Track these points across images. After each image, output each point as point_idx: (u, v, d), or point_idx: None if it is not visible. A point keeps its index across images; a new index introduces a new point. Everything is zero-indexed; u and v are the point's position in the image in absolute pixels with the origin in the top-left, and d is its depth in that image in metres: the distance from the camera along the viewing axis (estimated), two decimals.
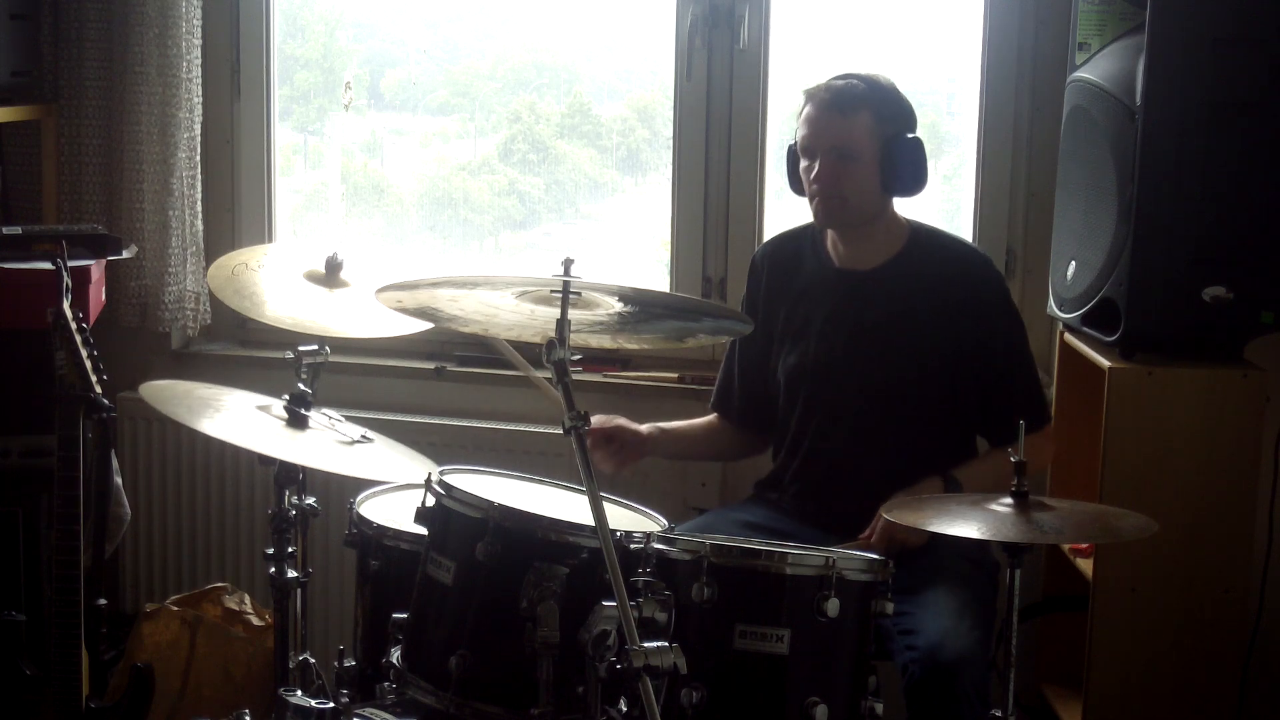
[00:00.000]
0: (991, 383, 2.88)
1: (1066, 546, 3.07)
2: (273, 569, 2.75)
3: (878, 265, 2.93)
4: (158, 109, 3.66)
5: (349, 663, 2.72)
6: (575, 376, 2.24)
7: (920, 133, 2.90)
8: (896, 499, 2.68)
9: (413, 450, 2.87)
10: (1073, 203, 3.00)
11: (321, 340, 2.81)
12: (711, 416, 3.16)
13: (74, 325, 2.61)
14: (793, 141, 2.92)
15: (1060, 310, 3.02)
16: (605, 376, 3.59)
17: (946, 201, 3.72)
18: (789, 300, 3.01)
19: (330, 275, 2.95)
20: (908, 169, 2.85)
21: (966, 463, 2.88)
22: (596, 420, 2.92)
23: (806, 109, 2.88)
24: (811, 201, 2.90)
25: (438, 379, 3.72)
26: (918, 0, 3.64)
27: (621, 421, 2.98)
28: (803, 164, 2.89)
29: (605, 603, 2.14)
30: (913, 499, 2.64)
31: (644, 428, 3.01)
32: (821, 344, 2.94)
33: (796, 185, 2.93)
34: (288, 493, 2.74)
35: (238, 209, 3.89)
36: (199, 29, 3.70)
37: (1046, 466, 3.09)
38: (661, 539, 2.33)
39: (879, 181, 2.85)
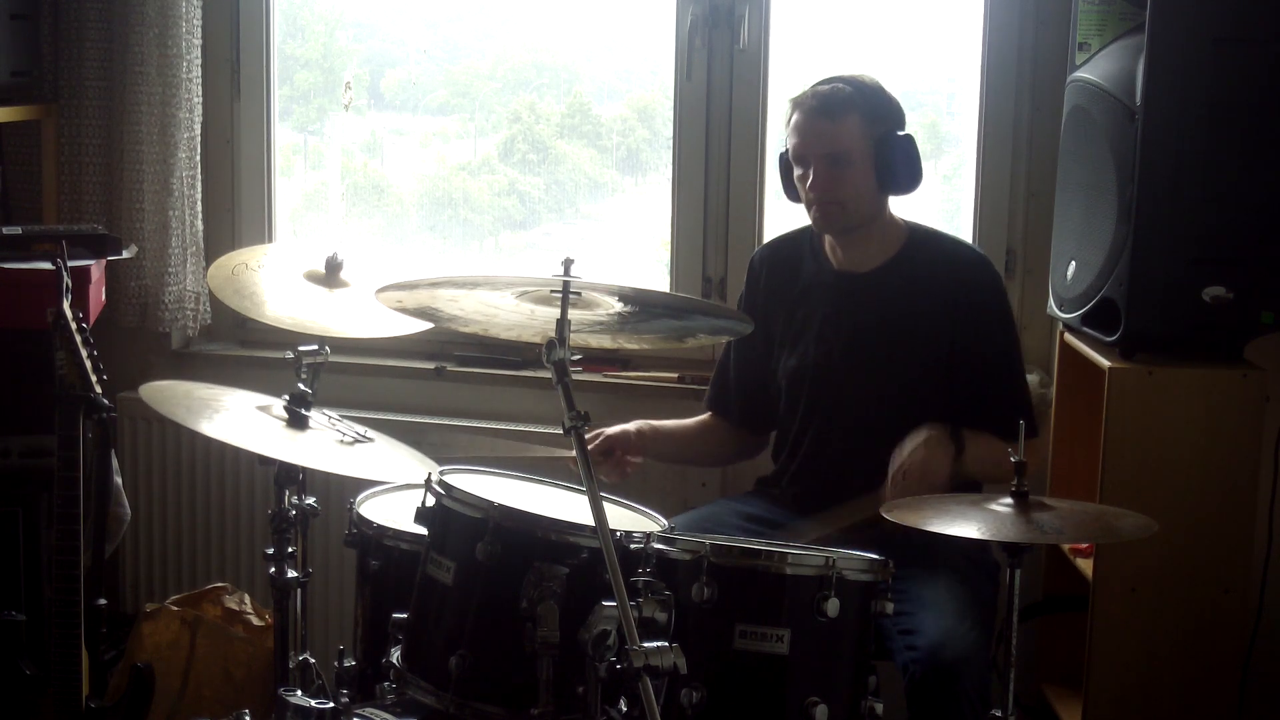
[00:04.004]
0: (983, 383, 2.87)
1: (1066, 546, 3.07)
2: (273, 569, 2.74)
3: (876, 267, 2.93)
4: (158, 109, 3.66)
5: (349, 663, 2.72)
6: (575, 376, 2.24)
7: (920, 133, 2.91)
8: (906, 444, 2.74)
9: (413, 451, 2.87)
10: (1073, 203, 2.99)
11: (321, 340, 2.81)
12: (706, 415, 3.16)
13: (74, 325, 2.61)
14: (784, 149, 2.92)
15: (1060, 310, 3.02)
16: (605, 376, 3.59)
17: (946, 201, 3.72)
18: (788, 303, 3.01)
19: (330, 275, 2.95)
20: (902, 167, 2.84)
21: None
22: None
23: (795, 117, 2.87)
24: (809, 209, 2.89)
25: (438, 379, 3.72)
26: (918, 0, 3.64)
27: (610, 431, 2.98)
28: (796, 172, 2.88)
29: (605, 603, 2.14)
30: (913, 500, 2.64)
31: (631, 426, 3.01)
32: (821, 347, 2.94)
33: (791, 192, 2.93)
34: (288, 493, 2.74)
35: (238, 209, 3.89)
36: (199, 29, 3.70)
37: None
38: (661, 539, 2.33)
39: (874, 182, 2.84)
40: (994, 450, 2.72)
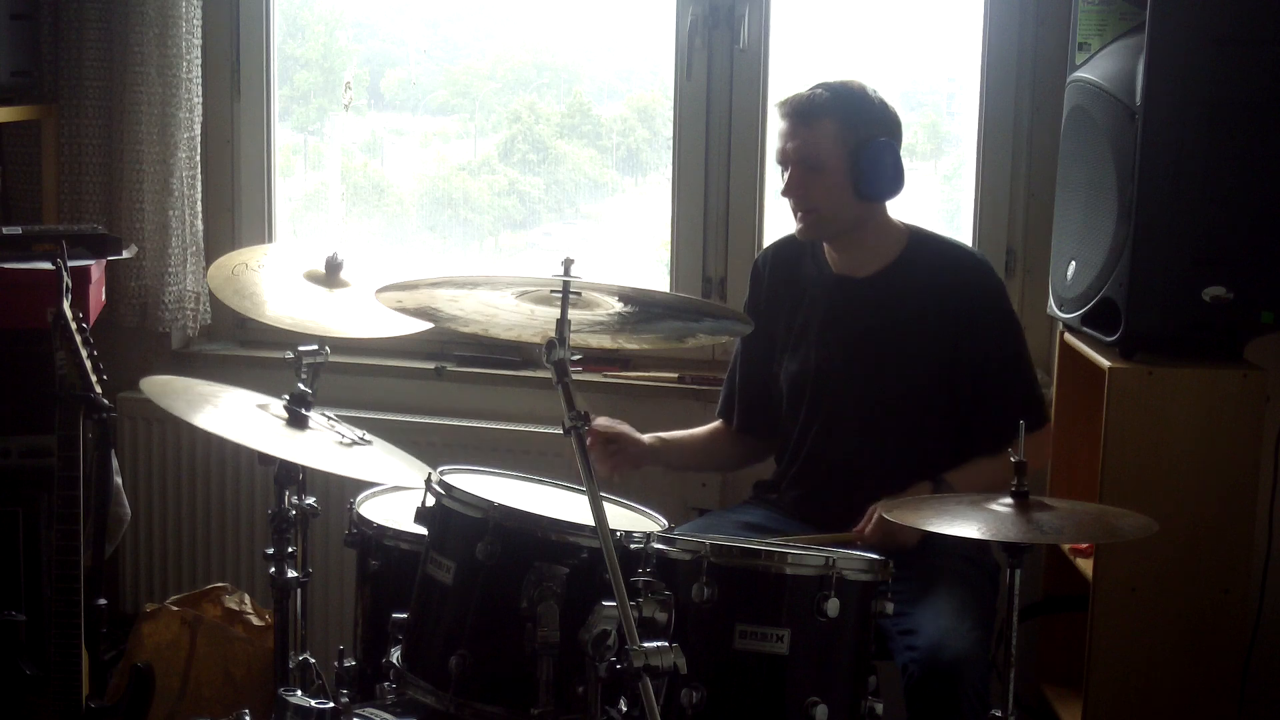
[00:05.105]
0: (989, 388, 2.87)
1: (1066, 546, 3.07)
2: (273, 569, 2.75)
3: (874, 272, 2.93)
4: (158, 109, 3.66)
5: (349, 663, 2.72)
6: (575, 376, 2.24)
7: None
8: (885, 503, 2.69)
9: (412, 451, 2.87)
10: (1073, 203, 2.99)
11: (321, 340, 2.81)
12: (716, 424, 3.16)
13: (74, 325, 2.61)
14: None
15: (1060, 310, 3.02)
16: (605, 376, 3.59)
17: (946, 201, 3.72)
18: (789, 306, 3.00)
19: (330, 275, 2.95)
20: (879, 173, 2.83)
21: (957, 468, 2.86)
22: (602, 421, 2.92)
23: (779, 122, 2.88)
24: (794, 215, 2.90)
25: (438, 379, 3.72)
26: (918, 0, 3.64)
27: (626, 428, 2.98)
28: (784, 175, 2.89)
29: (605, 603, 2.14)
30: (913, 499, 2.64)
31: (646, 438, 3.00)
32: (821, 351, 2.94)
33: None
34: (288, 493, 2.74)
35: (238, 209, 3.89)
36: (199, 29, 3.70)
37: (1045, 465, 3.08)
38: (661, 539, 2.33)
39: (850, 189, 2.83)
40: (989, 474, 2.74)
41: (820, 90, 2.84)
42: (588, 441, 2.84)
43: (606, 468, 2.95)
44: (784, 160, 2.86)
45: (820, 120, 2.81)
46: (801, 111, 2.83)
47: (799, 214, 2.87)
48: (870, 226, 2.90)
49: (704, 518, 3.10)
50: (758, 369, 3.06)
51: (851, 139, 2.81)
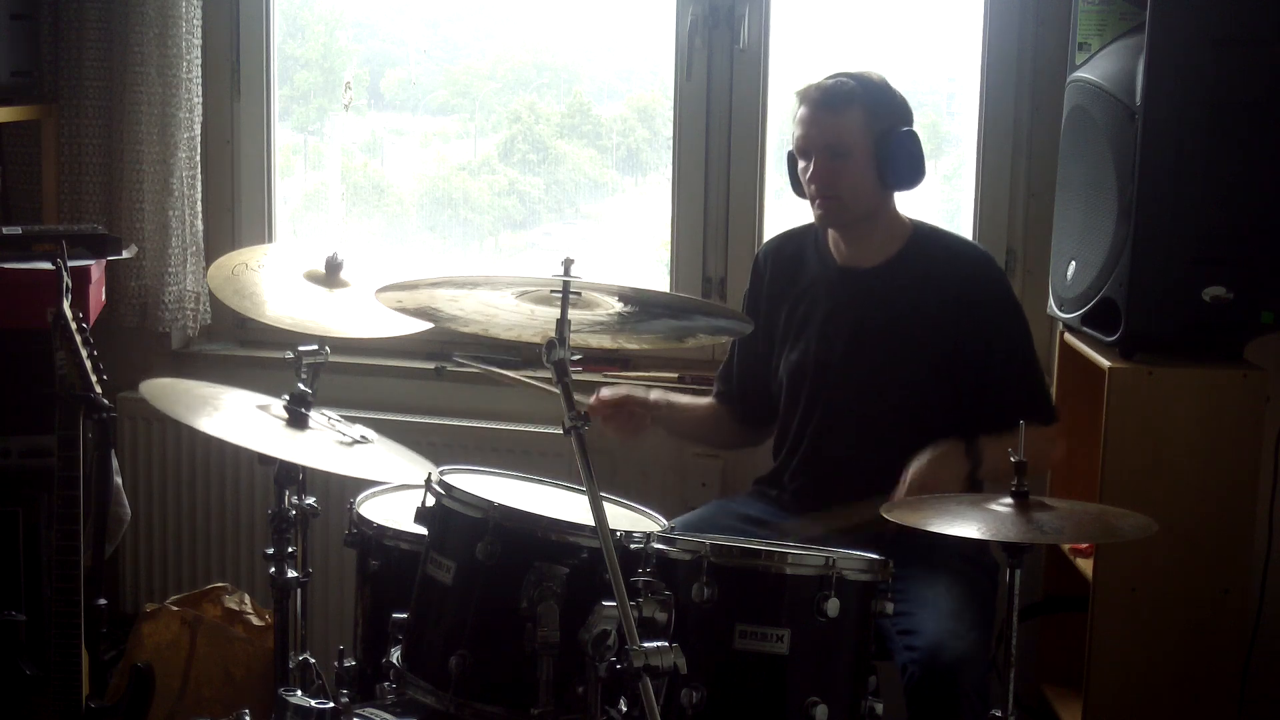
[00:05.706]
0: (994, 381, 2.86)
1: (1066, 546, 3.07)
2: (273, 569, 2.75)
3: (879, 263, 2.93)
4: (158, 109, 3.66)
5: (349, 663, 2.72)
6: (575, 376, 2.24)
7: (920, 132, 2.90)
8: (923, 455, 2.70)
9: (413, 450, 2.87)
10: (1073, 202, 3.00)
11: (321, 340, 2.81)
12: (714, 401, 3.17)
13: (74, 325, 2.61)
14: (791, 146, 2.93)
15: (1060, 310, 3.03)
16: (605, 376, 3.58)
17: (946, 201, 3.72)
18: (791, 298, 3.01)
19: (330, 275, 2.95)
20: (904, 162, 2.85)
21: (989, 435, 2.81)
22: (606, 391, 2.98)
23: (800, 110, 2.89)
24: (812, 203, 2.90)
25: (438, 379, 3.72)
26: (918, 0, 3.64)
27: (629, 391, 3.01)
28: (800, 165, 2.89)
29: (605, 603, 2.14)
30: (912, 499, 2.64)
31: (652, 395, 3.03)
32: (822, 343, 2.94)
33: (798, 188, 2.93)
34: (288, 493, 2.74)
35: (238, 209, 3.89)
36: (199, 29, 3.70)
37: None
38: (661, 539, 2.33)
39: (875, 177, 2.85)
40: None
41: (845, 79, 2.86)
42: (594, 402, 2.92)
43: (624, 433, 2.99)
44: (807, 148, 2.87)
45: (848, 107, 2.83)
46: (828, 99, 2.84)
47: (819, 200, 2.88)
48: (882, 217, 2.91)
49: (703, 508, 3.09)
50: (757, 362, 3.06)
51: (877, 127, 2.83)
